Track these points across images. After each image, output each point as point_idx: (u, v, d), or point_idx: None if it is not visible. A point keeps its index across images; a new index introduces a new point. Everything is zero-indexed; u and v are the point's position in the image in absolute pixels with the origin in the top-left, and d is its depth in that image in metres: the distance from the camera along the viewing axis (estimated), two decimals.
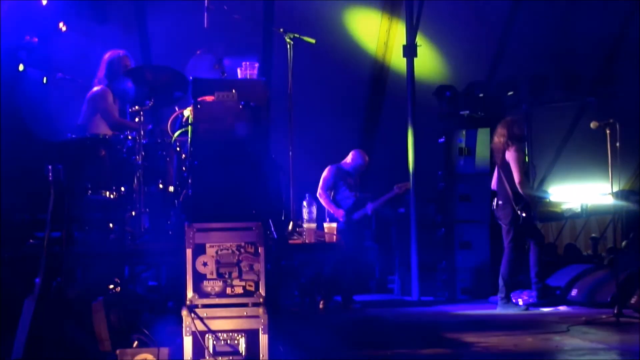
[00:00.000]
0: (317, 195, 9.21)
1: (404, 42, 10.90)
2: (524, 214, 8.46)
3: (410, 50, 10.81)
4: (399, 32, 11.61)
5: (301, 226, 6.04)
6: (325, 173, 9.45)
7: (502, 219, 8.70)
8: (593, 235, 14.45)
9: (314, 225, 5.92)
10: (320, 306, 8.58)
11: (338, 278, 8.97)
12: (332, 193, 9.38)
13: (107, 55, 6.97)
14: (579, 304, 8.71)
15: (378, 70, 12.49)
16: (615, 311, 7.05)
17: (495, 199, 8.83)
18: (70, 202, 5.06)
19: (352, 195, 9.38)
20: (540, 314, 8.19)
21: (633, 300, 7.73)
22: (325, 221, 8.39)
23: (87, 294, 5.24)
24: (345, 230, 8.94)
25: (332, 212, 9.22)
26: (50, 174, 4.44)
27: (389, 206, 11.71)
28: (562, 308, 8.63)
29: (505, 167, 8.63)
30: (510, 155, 8.61)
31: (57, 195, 4.43)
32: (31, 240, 5.58)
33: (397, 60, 11.66)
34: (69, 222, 5.14)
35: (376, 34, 12.13)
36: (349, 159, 9.57)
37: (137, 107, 6.12)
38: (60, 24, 8.01)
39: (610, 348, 5.83)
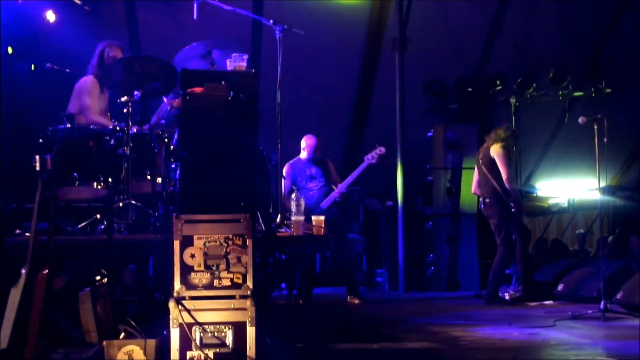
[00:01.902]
0: None
1: (394, 36, 10.92)
2: (513, 209, 8.49)
3: (400, 44, 10.83)
4: (388, 25, 11.62)
5: (289, 219, 6.03)
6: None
7: (492, 216, 8.71)
8: (580, 230, 14.53)
9: (301, 218, 5.91)
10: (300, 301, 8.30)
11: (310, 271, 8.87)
12: (298, 190, 8.99)
13: (99, 45, 6.93)
14: (565, 298, 8.75)
15: (367, 63, 12.50)
16: (602, 306, 7.08)
17: (482, 199, 8.83)
18: (57, 193, 5.04)
19: (314, 187, 8.92)
20: (527, 309, 8.22)
21: (619, 296, 7.77)
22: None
23: (74, 285, 5.23)
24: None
25: None
26: (37, 164, 4.42)
27: (377, 199, 11.72)
28: (548, 303, 8.67)
29: (491, 164, 8.65)
30: (495, 152, 8.63)
31: (45, 185, 4.41)
32: (18, 230, 5.56)
33: (386, 54, 11.67)
34: (56, 212, 5.12)
35: (366, 27, 12.13)
36: (302, 148, 9.04)
37: (125, 98, 6.10)
38: (49, 14, 7.97)
39: (595, 343, 5.86)
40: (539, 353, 5.45)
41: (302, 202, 6.06)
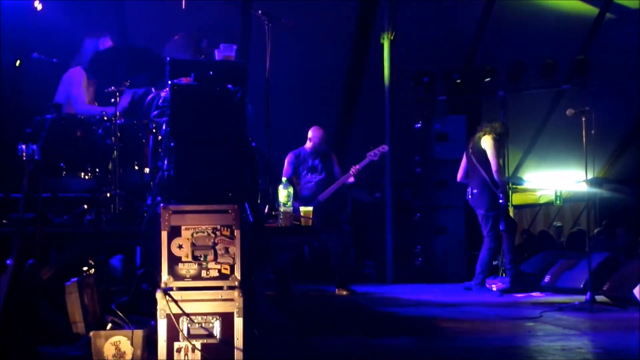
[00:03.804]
0: None
1: (383, 27, 10.91)
2: (501, 200, 8.51)
3: (389, 35, 10.82)
4: (378, 16, 11.60)
5: (277, 210, 6.03)
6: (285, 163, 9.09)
7: (479, 207, 8.73)
8: (557, 223, 14.56)
9: (290, 208, 5.91)
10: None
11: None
12: (297, 180, 9.03)
13: (89, 40, 6.90)
14: (552, 290, 8.79)
15: (356, 54, 12.48)
16: (588, 298, 7.12)
17: (470, 189, 8.85)
18: (44, 183, 5.01)
19: (313, 179, 9.00)
20: (514, 300, 8.25)
21: (605, 287, 7.81)
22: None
23: (60, 275, 5.21)
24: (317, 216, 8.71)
25: None
26: (24, 154, 4.40)
27: (366, 190, 11.73)
28: (535, 294, 8.71)
29: (481, 155, 8.67)
30: (486, 143, 8.65)
31: (31, 175, 4.39)
32: (4, 221, 5.53)
33: (375, 45, 11.65)
34: (43, 202, 5.09)
35: (355, 17, 12.10)
36: (308, 139, 9.12)
37: (113, 88, 6.07)
38: (36, 3, 7.91)
39: (582, 334, 5.89)
40: (526, 344, 5.47)
41: (291, 193, 6.05)
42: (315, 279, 10.24)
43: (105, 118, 6.12)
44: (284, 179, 8.81)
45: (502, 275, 9.42)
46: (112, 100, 6.04)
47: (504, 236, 8.81)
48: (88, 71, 6.78)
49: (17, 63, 6.66)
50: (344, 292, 8.91)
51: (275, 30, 6.75)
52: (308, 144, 9.06)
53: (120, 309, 4.88)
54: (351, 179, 8.96)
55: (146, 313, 4.84)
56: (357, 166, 8.92)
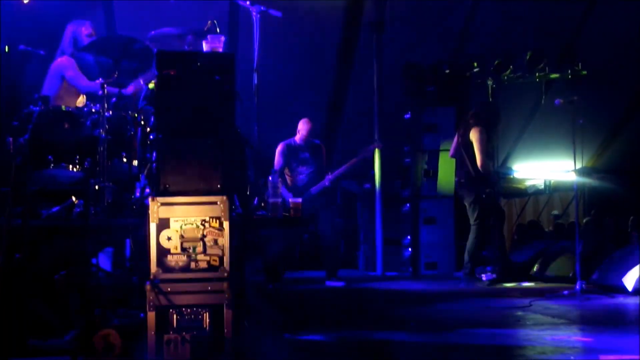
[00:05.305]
0: None
1: (372, 18, 10.89)
2: (487, 191, 8.52)
3: (377, 26, 10.81)
4: (366, 7, 11.58)
5: (266, 201, 6.03)
6: (276, 153, 9.09)
7: (466, 197, 8.75)
8: (554, 211, 14.60)
9: (279, 200, 5.91)
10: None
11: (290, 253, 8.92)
12: (289, 171, 9.02)
13: (70, 26, 6.86)
14: (542, 279, 8.81)
15: (345, 45, 12.45)
16: (577, 287, 7.15)
17: (457, 177, 8.87)
18: (32, 175, 4.99)
19: (304, 171, 9.08)
20: (503, 289, 8.27)
21: (594, 276, 7.84)
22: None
23: (50, 269, 5.20)
24: (308, 208, 8.72)
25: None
26: (11, 147, 4.38)
27: (355, 181, 11.72)
28: (524, 283, 8.73)
29: (468, 146, 8.66)
30: (474, 135, 8.65)
31: (19, 168, 4.37)
32: None
33: (364, 36, 11.63)
34: (31, 195, 5.08)
35: (344, 8, 12.07)
36: (297, 131, 9.14)
37: (100, 80, 6.06)
38: None
39: (571, 323, 5.91)
40: (515, 333, 5.49)
41: (280, 185, 6.05)
42: (306, 268, 10.24)
43: (93, 110, 6.09)
44: (275, 169, 8.86)
45: (491, 265, 9.44)
46: (100, 92, 6.03)
47: (493, 226, 8.82)
48: (76, 59, 6.76)
49: (6, 49, 6.63)
50: (334, 283, 8.91)
51: (263, 21, 6.73)
52: (297, 136, 9.05)
53: (109, 302, 4.88)
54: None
55: (136, 306, 4.84)
56: (354, 160, 8.97)
